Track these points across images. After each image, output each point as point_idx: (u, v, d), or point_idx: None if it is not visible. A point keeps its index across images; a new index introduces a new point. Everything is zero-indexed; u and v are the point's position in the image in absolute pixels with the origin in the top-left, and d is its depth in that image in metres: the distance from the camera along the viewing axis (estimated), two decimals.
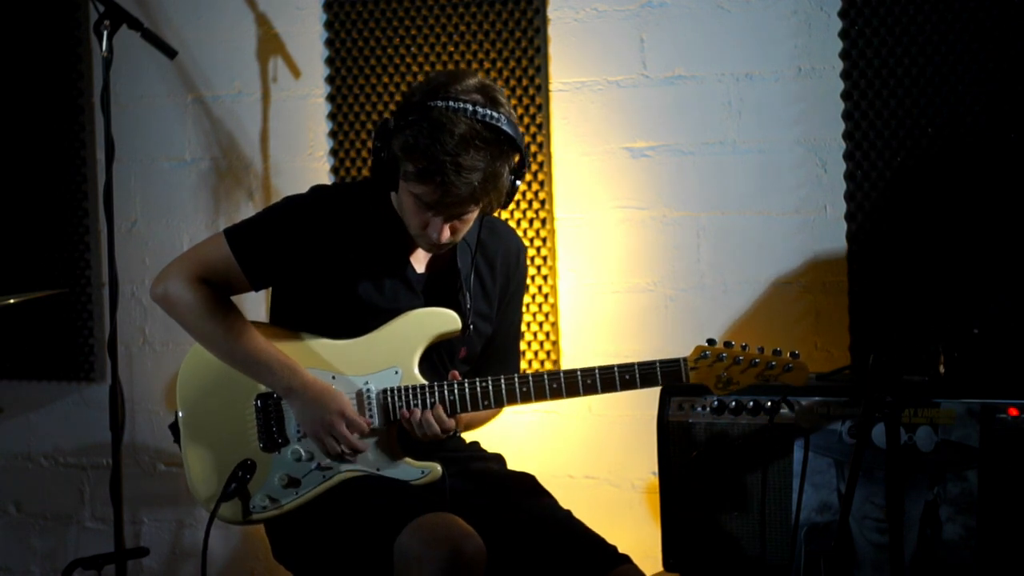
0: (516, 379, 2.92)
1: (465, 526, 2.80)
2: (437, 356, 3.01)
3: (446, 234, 2.88)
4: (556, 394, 2.91)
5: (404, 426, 2.95)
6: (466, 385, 2.93)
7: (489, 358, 3.11)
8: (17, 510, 4.59)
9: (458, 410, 2.92)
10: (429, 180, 2.80)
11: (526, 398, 2.92)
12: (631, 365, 2.88)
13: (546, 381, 2.91)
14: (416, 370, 2.96)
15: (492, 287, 3.07)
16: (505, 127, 2.81)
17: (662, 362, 2.88)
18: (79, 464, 4.49)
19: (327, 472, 2.96)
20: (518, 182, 2.89)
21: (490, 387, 2.92)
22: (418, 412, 2.91)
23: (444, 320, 2.97)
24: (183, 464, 3.04)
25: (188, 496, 4.30)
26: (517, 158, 2.86)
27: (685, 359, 2.87)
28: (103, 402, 3.81)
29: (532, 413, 3.96)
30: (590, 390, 2.89)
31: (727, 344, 2.87)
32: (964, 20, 3.47)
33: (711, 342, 2.88)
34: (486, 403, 2.93)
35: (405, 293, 2.99)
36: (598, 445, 3.92)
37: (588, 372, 2.89)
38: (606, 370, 2.88)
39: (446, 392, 2.92)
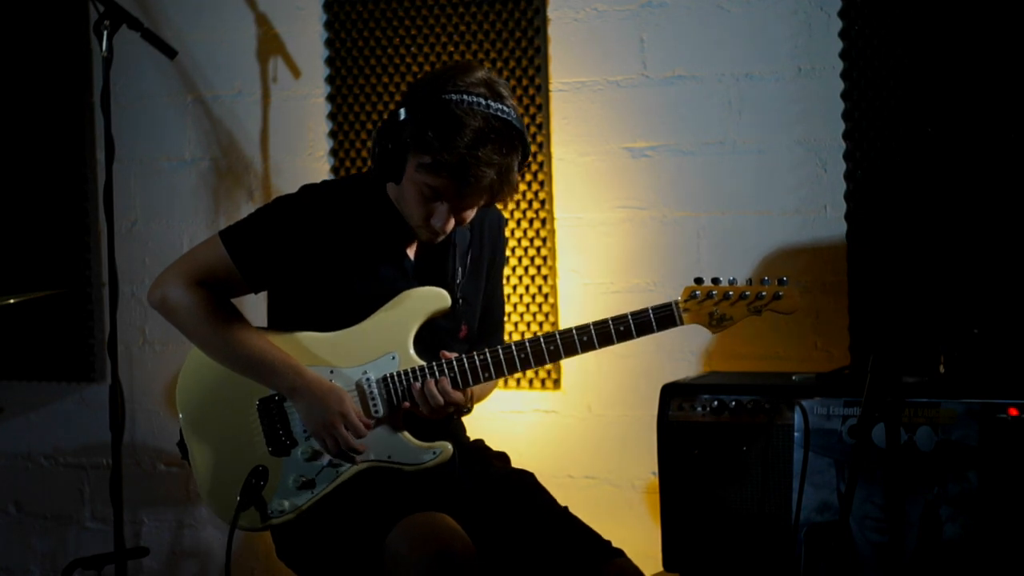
0: (513, 347, 2.91)
1: (453, 525, 2.80)
2: (438, 337, 3.00)
3: (451, 224, 2.89)
4: (554, 356, 2.90)
5: (412, 410, 2.94)
6: (464, 360, 2.92)
7: (479, 330, 3.12)
8: (17, 510, 4.60)
9: (460, 386, 2.91)
10: (446, 173, 2.81)
11: (525, 364, 2.91)
12: (624, 316, 2.87)
13: (543, 344, 2.90)
14: (412, 352, 2.95)
15: (481, 259, 3.09)
16: (515, 122, 2.83)
17: (654, 308, 2.87)
18: (79, 464, 4.50)
19: (339, 468, 2.94)
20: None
21: (488, 358, 2.91)
22: (418, 385, 2.90)
23: (433, 298, 2.97)
24: (194, 477, 3.01)
25: (188, 496, 4.32)
26: (521, 152, 2.88)
27: (676, 301, 2.87)
28: (103, 402, 3.81)
29: (532, 413, 3.96)
30: (587, 347, 2.88)
31: (715, 280, 2.88)
32: (964, 20, 3.46)
33: (699, 280, 2.88)
34: (487, 375, 2.92)
35: (400, 281, 2.99)
36: (598, 445, 3.92)
37: (583, 329, 2.89)
38: (600, 324, 2.88)
39: (446, 370, 2.91)
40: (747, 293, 2.87)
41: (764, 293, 2.87)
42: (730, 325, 2.88)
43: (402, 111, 2.84)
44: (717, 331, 2.89)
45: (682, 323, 2.87)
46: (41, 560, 4.56)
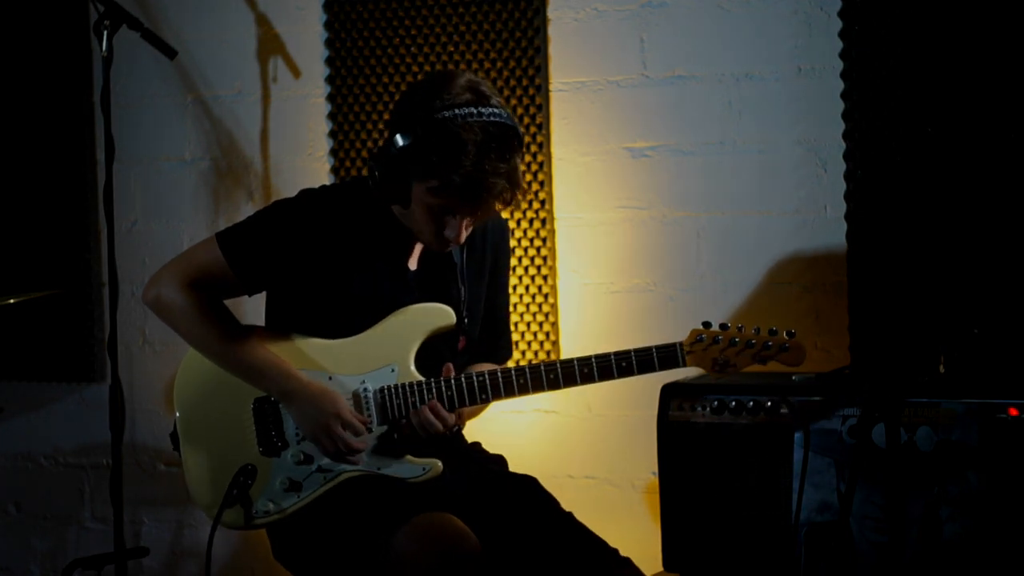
0: (513, 371, 2.91)
1: (460, 525, 2.80)
2: (436, 348, 3.00)
3: (464, 234, 2.89)
4: (553, 384, 2.90)
5: (405, 431, 2.94)
6: (463, 380, 2.92)
7: (481, 336, 3.12)
8: (17, 510, 4.60)
9: (456, 405, 2.92)
10: (457, 192, 2.80)
11: (524, 390, 2.91)
12: (627, 352, 2.87)
13: (543, 372, 2.90)
14: (412, 366, 2.95)
15: (483, 266, 3.08)
16: (507, 121, 2.82)
17: (658, 347, 2.87)
18: (79, 464, 4.50)
19: (328, 474, 2.95)
20: None
21: (487, 380, 2.91)
22: (416, 415, 2.91)
23: (439, 315, 2.97)
24: (183, 471, 3.03)
25: (188, 496, 4.32)
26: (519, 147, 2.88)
27: (681, 343, 2.87)
28: (103, 402, 3.81)
29: (532, 413, 3.96)
30: (587, 379, 2.89)
31: (722, 326, 2.87)
32: (964, 20, 3.46)
33: (706, 325, 2.87)
34: (484, 397, 2.92)
35: (400, 290, 2.99)
36: (598, 445, 3.92)
37: (585, 361, 2.89)
38: (602, 358, 2.88)
39: (443, 388, 2.91)
40: (753, 342, 2.85)
41: (771, 343, 2.85)
42: (733, 372, 2.88)
43: (398, 137, 2.82)
44: (719, 376, 2.89)
45: (684, 365, 2.87)
46: (41, 560, 4.56)
